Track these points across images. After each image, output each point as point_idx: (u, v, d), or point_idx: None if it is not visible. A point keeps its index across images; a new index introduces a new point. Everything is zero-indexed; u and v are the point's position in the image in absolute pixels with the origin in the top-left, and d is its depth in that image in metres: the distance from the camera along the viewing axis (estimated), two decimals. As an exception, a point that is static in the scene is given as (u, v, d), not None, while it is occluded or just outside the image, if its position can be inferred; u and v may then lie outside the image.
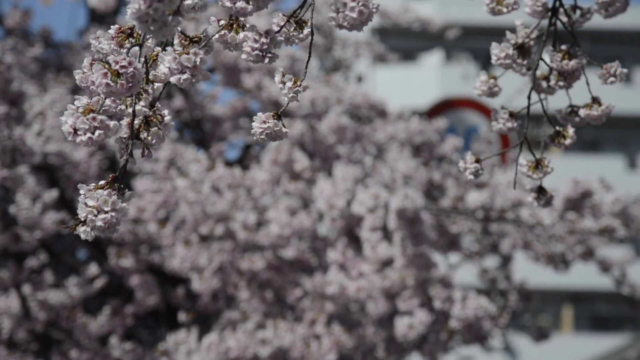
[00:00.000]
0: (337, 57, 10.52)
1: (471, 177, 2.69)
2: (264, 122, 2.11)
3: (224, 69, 7.77)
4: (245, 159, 8.31)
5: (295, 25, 2.09)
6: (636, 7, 26.71)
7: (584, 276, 15.70)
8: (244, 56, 2.06)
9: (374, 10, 1.96)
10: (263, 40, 2.04)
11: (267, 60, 2.06)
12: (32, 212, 5.63)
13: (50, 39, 8.62)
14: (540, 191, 2.73)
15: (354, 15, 1.95)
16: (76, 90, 7.22)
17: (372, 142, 7.59)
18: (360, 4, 1.94)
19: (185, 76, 1.96)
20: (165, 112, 2.08)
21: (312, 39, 2.12)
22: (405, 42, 27.08)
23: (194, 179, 6.47)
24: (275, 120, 2.11)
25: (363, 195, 5.83)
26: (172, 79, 1.98)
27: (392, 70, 26.46)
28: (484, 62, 28.49)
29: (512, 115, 2.70)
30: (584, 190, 6.38)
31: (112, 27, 2.06)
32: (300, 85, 2.10)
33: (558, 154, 21.67)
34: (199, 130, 8.54)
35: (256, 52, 2.05)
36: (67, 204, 6.96)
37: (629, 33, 28.01)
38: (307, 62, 2.19)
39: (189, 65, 1.95)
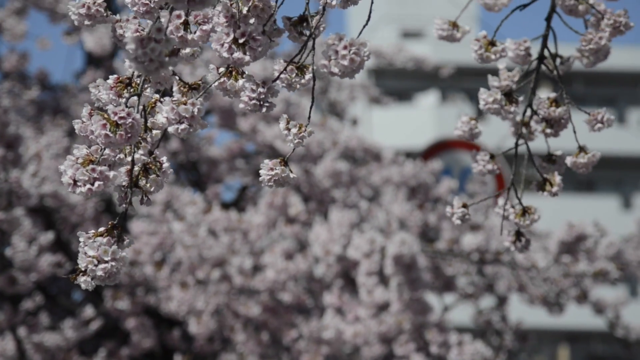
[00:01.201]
0: (332, 100, 10.56)
1: (458, 222, 2.70)
2: (272, 169, 2.10)
3: (219, 112, 7.82)
4: (241, 201, 8.34)
5: (296, 71, 2.10)
6: (629, 49, 26.84)
7: (580, 316, 15.68)
8: (241, 105, 2.07)
9: (366, 58, 1.97)
10: (260, 89, 2.04)
11: (264, 109, 2.06)
12: (28, 254, 5.64)
13: (47, 82, 8.67)
14: (518, 235, 2.72)
15: (345, 63, 1.95)
16: (72, 133, 7.25)
17: (367, 185, 7.62)
18: (351, 52, 1.95)
19: (183, 126, 1.96)
20: (164, 159, 2.09)
21: (314, 84, 2.13)
22: (400, 82, 27.23)
23: (190, 222, 6.49)
24: (283, 167, 2.11)
25: (359, 240, 5.85)
26: (170, 129, 1.98)
27: (388, 111, 26.57)
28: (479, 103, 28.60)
29: (492, 157, 2.72)
30: (578, 234, 6.41)
31: (110, 76, 2.07)
32: (306, 130, 2.10)
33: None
34: (195, 172, 8.58)
35: (254, 101, 2.04)
36: (63, 246, 6.96)
37: (622, 74, 28.14)
38: (311, 107, 2.18)
39: (187, 116, 1.96)
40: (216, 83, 2.07)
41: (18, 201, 5.31)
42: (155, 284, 6.73)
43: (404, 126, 26.86)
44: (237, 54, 1.95)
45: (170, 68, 2.04)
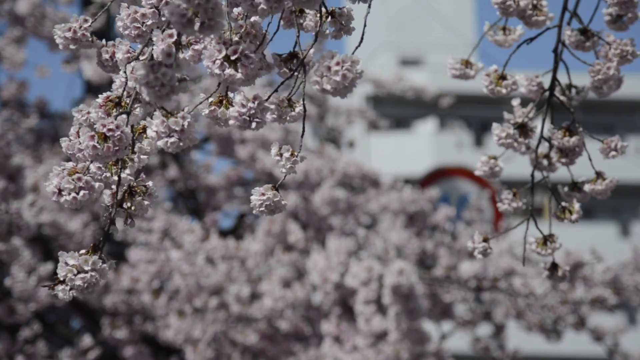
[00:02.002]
0: (330, 126, 10.60)
1: (480, 256, 2.70)
2: (263, 194, 2.10)
3: (218, 139, 7.84)
4: (239, 228, 8.35)
5: (287, 103, 2.10)
6: (627, 76, 26.84)
7: (578, 343, 15.66)
8: (230, 122, 2.06)
9: (358, 75, 1.96)
10: (250, 105, 2.03)
11: (253, 125, 2.04)
12: (27, 284, 5.65)
13: (46, 110, 8.69)
14: (554, 268, 2.73)
15: (338, 79, 1.94)
16: (70, 161, 7.27)
17: (365, 212, 7.64)
18: (344, 68, 1.94)
19: (172, 139, 1.95)
20: (150, 183, 2.09)
21: (304, 114, 2.12)
22: (399, 109, 27.29)
23: (188, 250, 6.50)
24: (274, 192, 2.11)
25: (356, 268, 5.86)
26: (160, 143, 1.97)
27: (387, 138, 26.62)
28: (478, 130, 28.68)
29: (516, 194, 2.72)
30: (575, 261, 6.43)
31: (100, 95, 2.07)
32: (298, 156, 2.11)
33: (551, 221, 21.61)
34: (194, 200, 8.59)
35: (243, 117, 2.03)
36: (61, 274, 6.96)
37: (619, 102, 28.21)
38: (302, 135, 2.18)
39: (177, 129, 1.95)
40: (207, 111, 2.06)
41: (18, 232, 5.33)
42: (152, 312, 6.73)
43: (403, 153, 26.89)
44: (229, 71, 1.95)
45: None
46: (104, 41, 2.15)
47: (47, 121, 8.61)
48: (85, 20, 2.11)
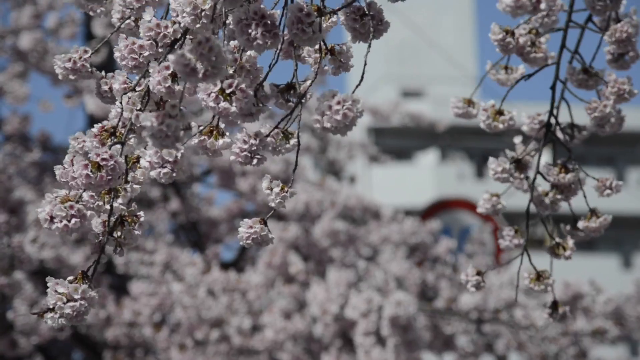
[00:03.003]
0: (331, 159, 10.62)
1: (473, 289, 2.71)
2: (250, 227, 2.10)
3: (219, 172, 7.88)
4: (241, 261, 8.36)
5: (282, 135, 2.12)
6: (629, 110, 26.88)
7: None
8: (232, 157, 2.07)
9: (359, 114, 1.96)
10: (252, 141, 2.05)
11: (255, 161, 2.07)
12: (29, 318, 5.66)
13: (49, 143, 8.73)
14: (554, 307, 2.74)
15: (339, 118, 1.94)
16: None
17: (366, 244, 7.66)
18: (345, 107, 1.94)
19: (165, 170, 1.98)
20: (141, 213, 2.10)
21: (298, 148, 2.13)
22: (400, 141, 27.33)
23: (190, 283, 6.52)
24: (262, 226, 2.11)
25: (356, 299, 5.86)
26: (152, 173, 1.99)
27: (388, 170, 26.64)
28: (479, 162, 28.70)
29: (517, 231, 2.74)
30: (574, 293, 6.43)
31: (95, 125, 2.09)
32: (288, 191, 2.11)
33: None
34: (195, 233, 8.61)
35: (245, 153, 2.05)
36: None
37: (621, 135, 28.15)
38: (294, 170, 2.18)
39: (170, 160, 1.97)
40: (196, 141, 2.07)
41: (20, 265, 5.35)
42: (154, 346, 6.73)
43: (404, 185, 26.90)
44: (224, 104, 1.96)
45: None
46: (103, 73, 2.17)
47: (50, 155, 8.64)
48: (85, 52, 2.12)
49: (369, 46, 2.09)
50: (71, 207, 1.98)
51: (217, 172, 7.88)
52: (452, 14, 30.43)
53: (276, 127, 2.12)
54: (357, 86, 2.11)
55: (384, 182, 26.20)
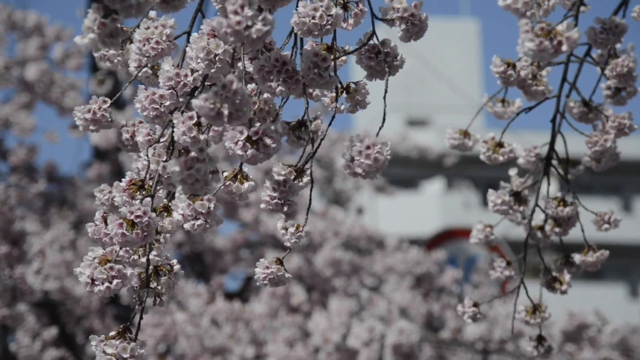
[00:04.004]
0: (337, 189, 10.63)
1: (469, 321, 2.71)
2: (267, 267, 2.11)
3: (222, 203, 7.89)
4: (245, 291, 8.36)
5: (295, 174, 2.11)
6: (634, 138, 26.89)
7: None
8: (262, 205, 2.09)
9: (388, 157, 1.97)
10: (282, 188, 2.06)
11: (286, 208, 2.08)
12: (32, 349, 5.66)
13: (55, 174, 8.74)
14: (540, 340, 2.74)
15: (370, 162, 1.95)
16: (78, 225, 7.31)
17: (370, 273, 7.66)
18: (375, 151, 1.95)
19: (199, 222, 1.97)
20: (174, 261, 2.10)
21: (312, 187, 2.15)
22: (406, 170, 27.33)
23: (194, 313, 6.51)
24: (278, 266, 2.11)
25: (358, 328, 5.86)
26: (186, 226, 1.98)
27: (394, 199, 26.61)
28: (485, 191, 28.65)
29: (509, 263, 2.74)
30: (579, 323, 6.41)
31: (122, 179, 2.08)
32: (302, 231, 2.12)
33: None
34: (200, 263, 8.61)
35: (275, 201, 2.07)
36: (67, 339, 6.97)
37: (628, 163, 28.15)
38: (308, 208, 2.19)
39: (203, 212, 1.97)
40: (221, 186, 2.08)
41: (22, 297, 5.35)
42: (159, 376, 6.72)
43: (410, 214, 26.88)
44: (251, 151, 1.96)
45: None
46: (123, 121, 2.16)
47: (56, 185, 8.65)
48: (105, 102, 2.11)
49: (387, 83, 2.09)
50: (111, 268, 1.97)
51: (220, 202, 7.90)
52: (457, 43, 30.52)
53: (291, 165, 2.12)
54: (379, 129, 2.10)
55: (390, 211, 26.18)
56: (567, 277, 2.69)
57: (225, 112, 1.80)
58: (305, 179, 2.13)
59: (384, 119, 2.11)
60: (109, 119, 2.10)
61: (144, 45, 1.99)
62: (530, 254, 2.74)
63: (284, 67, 1.98)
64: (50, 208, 8.02)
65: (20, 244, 5.10)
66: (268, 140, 1.97)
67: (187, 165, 1.85)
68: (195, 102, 1.81)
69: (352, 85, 2.14)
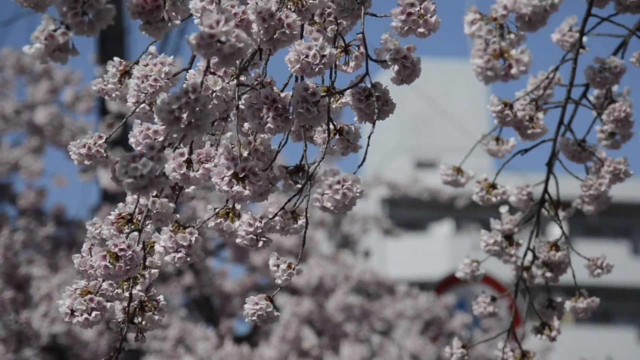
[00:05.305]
0: (345, 232, 10.61)
1: None
2: (256, 303, 2.10)
3: (233, 246, 7.87)
4: (254, 335, 8.32)
5: (290, 216, 2.12)
6: (642, 178, 26.78)
7: None
8: (238, 240, 2.06)
9: (358, 194, 1.98)
10: (257, 224, 2.04)
11: (260, 244, 2.06)
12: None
13: (63, 217, 8.75)
14: None
15: (338, 197, 1.96)
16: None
17: (380, 318, 7.62)
18: (344, 187, 1.96)
19: (180, 255, 1.96)
20: (161, 297, 2.10)
21: (306, 229, 2.13)
22: (414, 212, 27.30)
23: (202, 357, 6.48)
24: (267, 302, 2.10)
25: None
26: (167, 258, 1.98)
27: (402, 241, 26.56)
28: (494, 233, 28.56)
29: (494, 299, 2.72)
30: (591, 368, 6.36)
31: (111, 212, 2.09)
32: (294, 269, 2.10)
33: (569, 325, 21.50)
34: (209, 307, 8.58)
35: (250, 236, 2.04)
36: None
37: (636, 205, 28.04)
38: (302, 248, 2.18)
39: (184, 244, 1.96)
40: (212, 223, 2.07)
41: (28, 342, 5.33)
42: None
43: (419, 256, 26.81)
44: (237, 188, 1.96)
45: (172, 205, 2.07)
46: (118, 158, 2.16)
47: (64, 229, 8.65)
48: (100, 137, 2.12)
49: (373, 126, 2.08)
50: (91, 300, 1.99)
51: (230, 246, 7.88)
52: (465, 85, 30.57)
53: (282, 208, 2.12)
54: (359, 166, 2.11)
55: (398, 254, 26.12)
56: (556, 323, 2.66)
57: (184, 118, 1.74)
58: (300, 221, 2.13)
59: (364, 158, 2.11)
60: (104, 155, 2.12)
61: (142, 82, 2.00)
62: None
63: (273, 104, 1.98)
64: (59, 251, 8.01)
65: (25, 288, 5.09)
66: (254, 178, 1.96)
67: (134, 160, 1.74)
68: (156, 105, 1.78)
69: (345, 128, 2.14)
